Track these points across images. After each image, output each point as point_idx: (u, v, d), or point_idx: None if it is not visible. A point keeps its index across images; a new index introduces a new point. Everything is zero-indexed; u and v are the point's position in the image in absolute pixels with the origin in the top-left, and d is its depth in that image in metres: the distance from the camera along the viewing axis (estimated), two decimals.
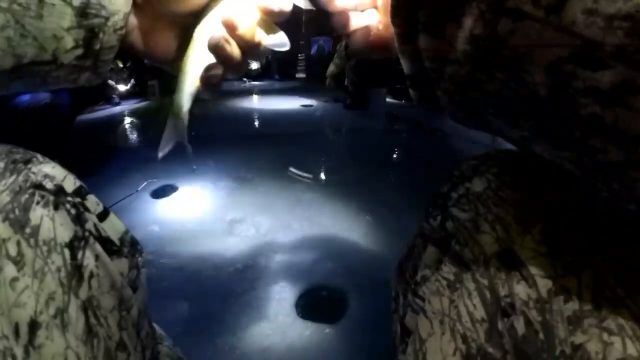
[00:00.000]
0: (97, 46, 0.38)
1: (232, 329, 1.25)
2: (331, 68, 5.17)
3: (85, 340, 0.35)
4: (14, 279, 0.32)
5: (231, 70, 0.44)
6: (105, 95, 4.71)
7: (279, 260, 1.63)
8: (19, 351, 0.30)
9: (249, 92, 6.31)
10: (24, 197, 0.35)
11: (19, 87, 0.39)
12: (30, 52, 0.35)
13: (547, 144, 0.28)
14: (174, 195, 2.25)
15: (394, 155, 3.26)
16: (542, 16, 0.22)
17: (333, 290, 1.47)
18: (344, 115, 4.73)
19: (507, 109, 0.28)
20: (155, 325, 0.62)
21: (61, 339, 0.33)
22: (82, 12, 0.36)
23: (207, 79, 0.43)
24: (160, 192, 2.27)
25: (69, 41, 0.36)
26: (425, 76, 0.32)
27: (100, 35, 0.38)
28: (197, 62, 0.43)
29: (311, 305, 1.41)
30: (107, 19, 0.37)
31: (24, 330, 0.31)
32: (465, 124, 0.34)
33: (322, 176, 2.67)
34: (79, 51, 0.38)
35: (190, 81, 0.43)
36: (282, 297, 1.41)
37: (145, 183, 2.32)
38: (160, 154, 0.46)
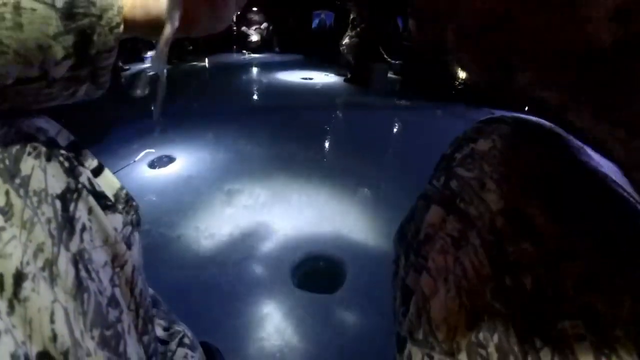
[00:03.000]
0: (93, 51, 0.33)
1: (228, 297, 1.26)
2: (352, 40, 4.93)
3: (74, 295, 0.34)
4: (0, 229, 0.30)
5: None
6: None
7: (277, 230, 1.63)
8: (2, 305, 0.29)
9: (248, 65, 6.23)
10: (15, 148, 0.33)
11: (5, 109, 0.34)
12: (13, 70, 0.30)
13: (589, 112, 0.22)
14: (171, 166, 2.23)
15: (394, 131, 3.24)
16: None
17: (330, 260, 1.47)
18: (344, 89, 4.68)
19: (547, 60, 0.22)
20: (150, 289, 0.61)
21: (48, 292, 0.32)
22: (69, 14, 0.30)
23: None
24: (158, 163, 2.26)
25: (58, 51, 0.31)
26: (435, 6, 0.27)
27: (94, 37, 0.32)
28: None
29: (308, 275, 1.41)
30: (99, 17, 0.32)
31: (8, 282, 0.30)
32: (476, 77, 0.31)
33: (321, 149, 2.65)
34: (72, 60, 0.32)
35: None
36: (279, 267, 1.41)
37: (142, 153, 2.31)
38: (155, 117, 0.40)
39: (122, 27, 0.34)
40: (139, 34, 0.37)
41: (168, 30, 0.35)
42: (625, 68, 0.19)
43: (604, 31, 0.18)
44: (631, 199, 0.34)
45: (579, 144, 0.40)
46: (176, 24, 0.35)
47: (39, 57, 0.30)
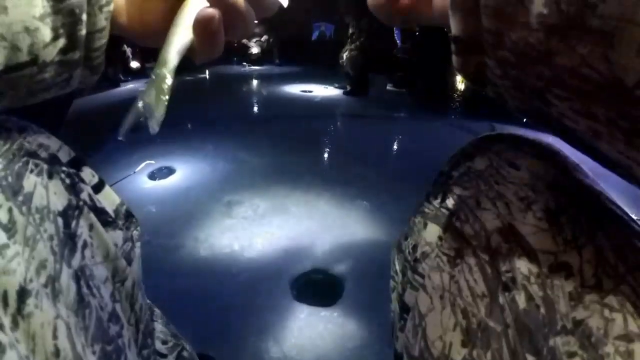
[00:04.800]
0: (83, 31, 0.32)
1: (227, 309, 1.26)
2: (352, 53, 4.94)
3: (76, 310, 0.34)
4: (4, 246, 0.31)
5: (231, 18, 0.36)
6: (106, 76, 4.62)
7: (276, 242, 1.63)
8: (6, 320, 0.29)
9: (248, 77, 6.26)
10: (18, 165, 0.34)
11: (2, 104, 0.33)
12: (0, 55, 0.29)
13: (621, 141, 0.23)
14: (171, 177, 2.24)
15: (394, 143, 3.25)
16: None
17: (329, 273, 1.47)
18: (344, 102, 4.70)
19: (582, 92, 0.23)
20: (150, 302, 0.61)
21: (51, 308, 0.32)
22: None
23: (201, 26, 0.35)
24: (158, 174, 2.27)
25: (45, 33, 0.30)
26: (477, 40, 0.28)
27: (84, 17, 0.31)
28: (190, 8, 0.35)
29: (307, 288, 1.41)
30: None
31: (12, 298, 0.30)
32: (512, 107, 0.32)
33: (320, 161, 2.66)
34: (62, 42, 0.31)
35: (180, 32, 0.35)
36: (278, 280, 1.41)
37: (142, 165, 2.31)
38: (122, 133, 0.38)
39: (112, 5, 0.33)
40: (134, 39, 0.38)
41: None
42: None
43: (633, 65, 0.19)
44: (625, 216, 0.35)
45: (575, 161, 0.40)
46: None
47: (26, 40, 0.30)
